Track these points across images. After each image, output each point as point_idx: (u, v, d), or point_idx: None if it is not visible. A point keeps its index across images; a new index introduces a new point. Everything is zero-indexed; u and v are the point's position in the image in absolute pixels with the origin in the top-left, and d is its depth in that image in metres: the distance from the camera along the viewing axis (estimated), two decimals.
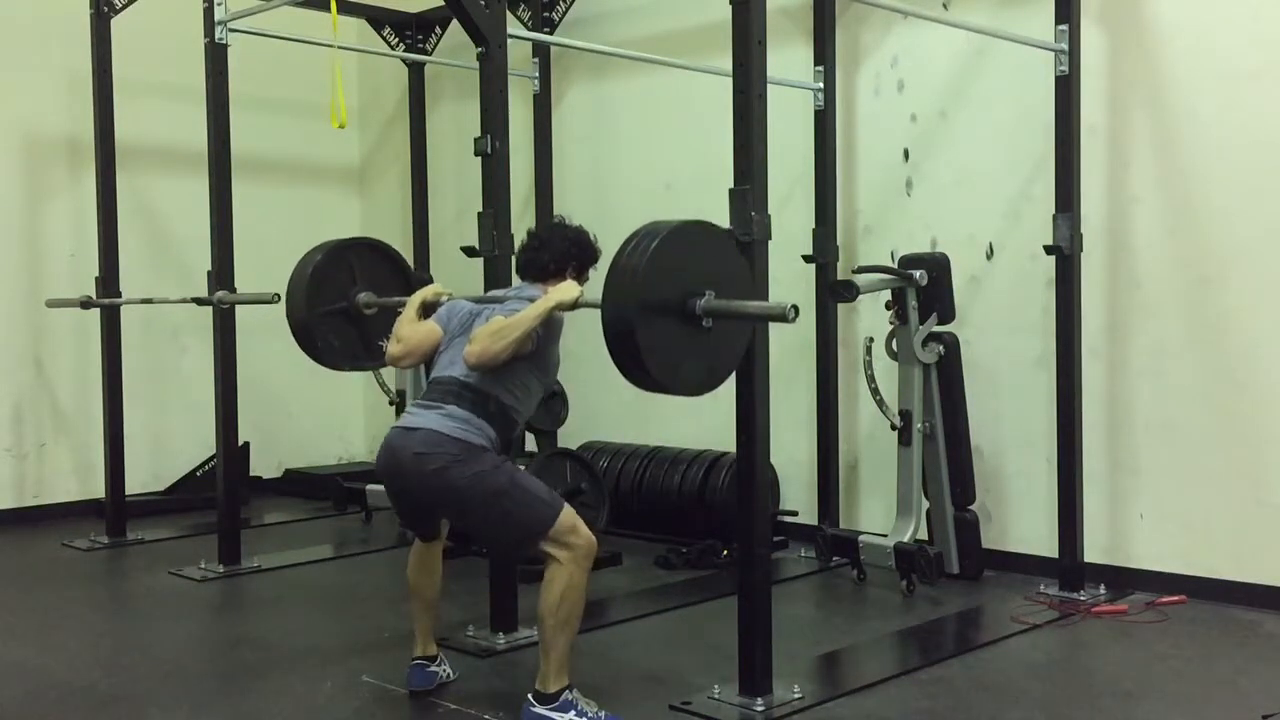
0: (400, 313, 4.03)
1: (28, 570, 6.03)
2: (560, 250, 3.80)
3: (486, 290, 4.30)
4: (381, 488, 6.64)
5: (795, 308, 3.23)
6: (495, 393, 3.61)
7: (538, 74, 7.07)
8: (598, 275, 3.57)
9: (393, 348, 3.91)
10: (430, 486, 3.57)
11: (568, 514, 3.59)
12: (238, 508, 6.08)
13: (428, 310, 3.98)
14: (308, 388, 8.24)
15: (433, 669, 3.96)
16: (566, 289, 3.61)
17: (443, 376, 3.70)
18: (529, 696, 3.58)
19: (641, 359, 3.25)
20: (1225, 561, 4.93)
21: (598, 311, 3.34)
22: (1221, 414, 4.92)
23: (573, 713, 3.53)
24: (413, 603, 3.99)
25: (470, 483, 3.52)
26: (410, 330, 3.88)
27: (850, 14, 5.94)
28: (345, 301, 4.58)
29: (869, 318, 5.88)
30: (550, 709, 3.53)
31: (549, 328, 3.64)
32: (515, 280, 4.05)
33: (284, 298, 4.63)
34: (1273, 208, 4.77)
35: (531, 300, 3.63)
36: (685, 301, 3.33)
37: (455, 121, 7.78)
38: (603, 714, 3.58)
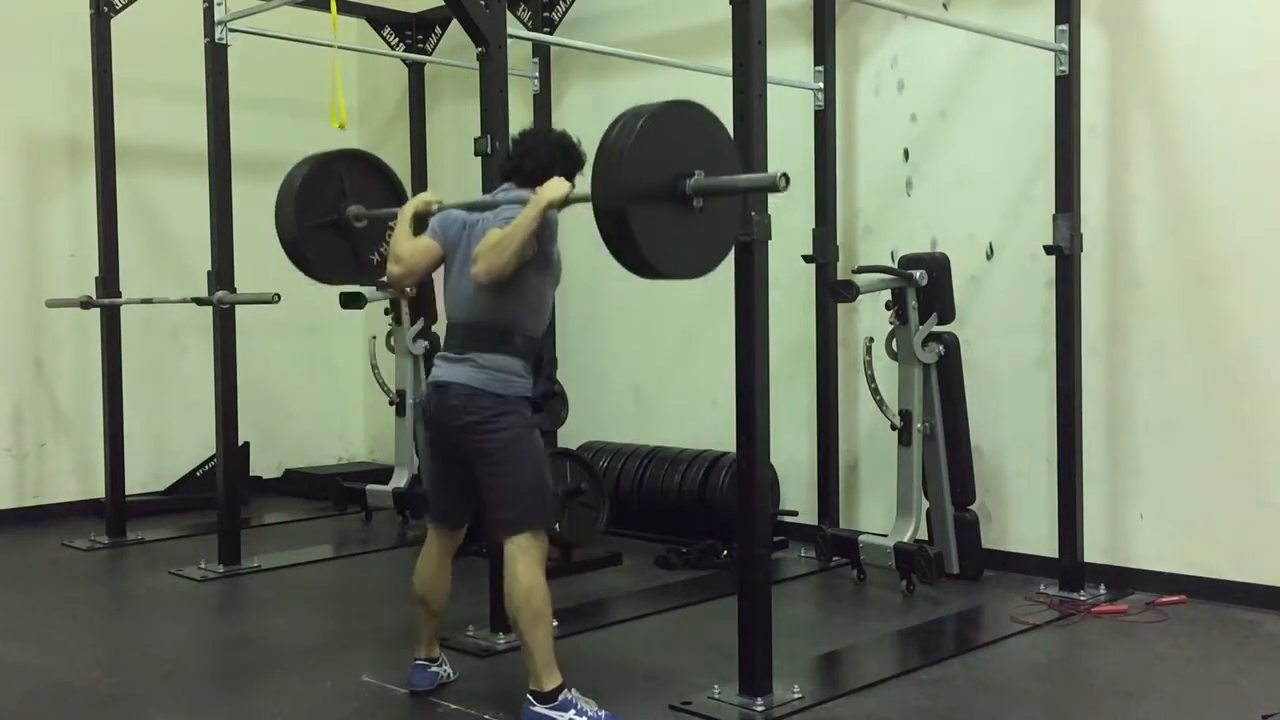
0: (392, 226, 3.96)
1: (28, 570, 6.03)
2: (545, 156, 3.73)
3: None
4: (381, 487, 6.77)
5: (785, 176, 3.18)
6: (514, 316, 3.62)
7: (538, 74, 7.07)
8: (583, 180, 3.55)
9: (393, 268, 3.85)
10: (464, 441, 3.63)
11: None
12: (238, 508, 6.08)
13: (420, 221, 3.92)
14: (308, 388, 8.28)
15: (434, 669, 3.96)
16: (555, 186, 3.52)
17: (458, 318, 3.71)
18: (527, 696, 3.57)
19: (635, 243, 3.20)
20: (1225, 561, 4.93)
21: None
22: (1221, 414, 4.92)
23: (572, 712, 3.53)
24: (418, 607, 3.95)
25: (505, 440, 3.58)
26: (409, 248, 3.82)
27: (850, 14, 5.94)
28: (335, 214, 4.49)
29: (869, 318, 5.88)
30: (550, 708, 3.53)
31: (545, 227, 3.56)
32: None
33: (274, 212, 4.49)
34: (1273, 208, 4.77)
35: (521, 202, 3.59)
36: (675, 182, 3.27)
37: (455, 121, 7.77)
38: (602, 713, 3.57)
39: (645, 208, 3.22)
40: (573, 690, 3.58)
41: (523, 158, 3.78)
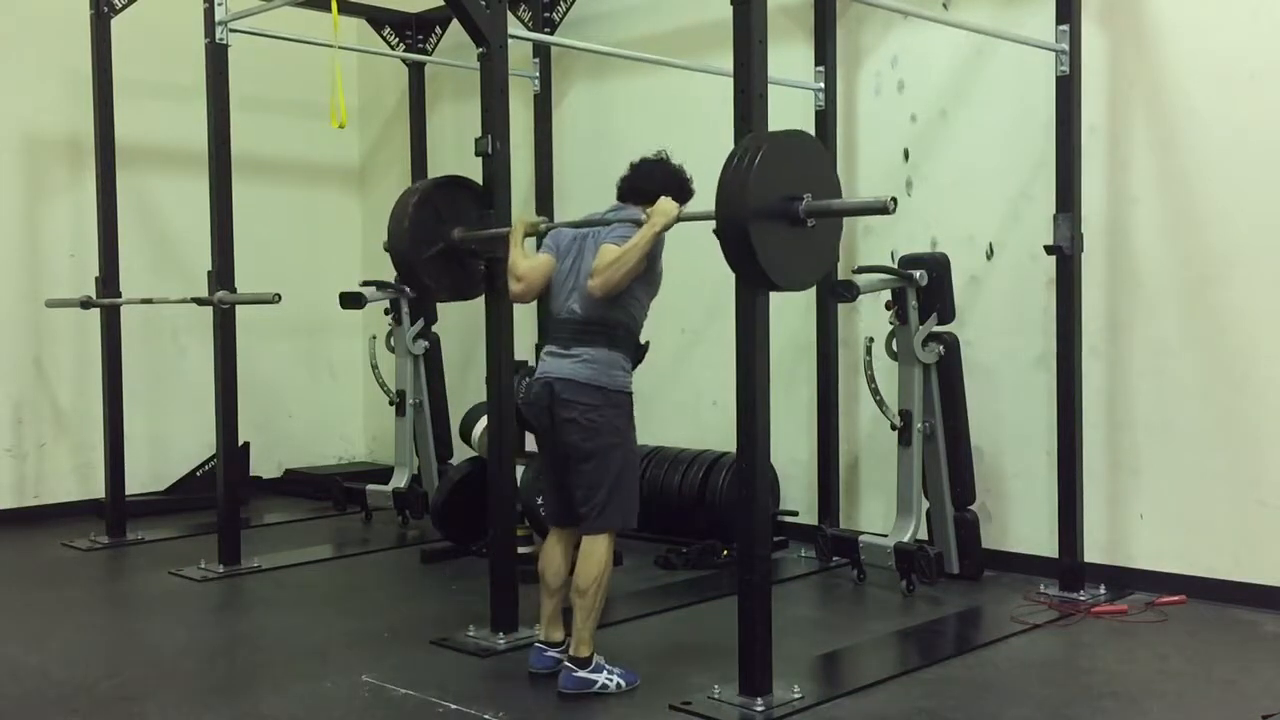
0: (504, 242, 4.25)
1: (28, 570, 6.03)
2: (662, 184, 4.05)
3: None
4: (381, 487, 6.77)
5: (894, 199, 3.46)
6: (617, 318, 3.95)
7: (538, 74, 7.07)
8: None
9: (514, 286, 4.15)
10: (566, 433, 3.94)
11: None
12: (238, 508, 6.08)
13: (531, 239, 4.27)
14: (308, 388, 8.28)
15: (551, 654, 4.11)
16: (667, 209, 3.85)
17: (564, 317, 4.03)
18: (566, 663, 3.93)
19: (756, 259, 3.48)
20: (1225, 561, 4.93)
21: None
22: (1221, 414, 4.92)
23: (605, 673, 3.92)
24: (540, 585, 4.18)
25: (600, 440, 3.91)
26: (528, 267, 4.12)
27: (850, 14, 5.94)
28: (442, 241, 4.58)
29: (869, 318, 5.88)
30: (589, 672, 3.91)
31: (654, 245, 3.90)
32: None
33: (388, 244, 4.61)
34: (1273, 208, 4.77)
35: (634, 220, 3.93)
36: (789, 204, 3.54)
37: (455, 121, 7.78)
38: (623, 671, 3.97)
39: (765, 227, 3.49)
40: (600, 656, 3.96)
41: (644, 180, 4.09)
